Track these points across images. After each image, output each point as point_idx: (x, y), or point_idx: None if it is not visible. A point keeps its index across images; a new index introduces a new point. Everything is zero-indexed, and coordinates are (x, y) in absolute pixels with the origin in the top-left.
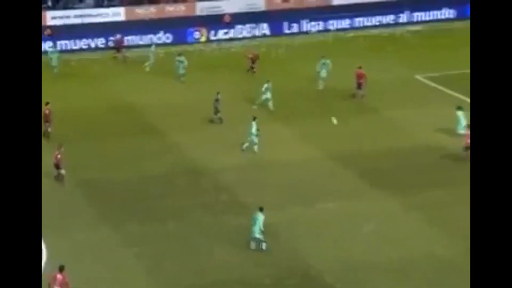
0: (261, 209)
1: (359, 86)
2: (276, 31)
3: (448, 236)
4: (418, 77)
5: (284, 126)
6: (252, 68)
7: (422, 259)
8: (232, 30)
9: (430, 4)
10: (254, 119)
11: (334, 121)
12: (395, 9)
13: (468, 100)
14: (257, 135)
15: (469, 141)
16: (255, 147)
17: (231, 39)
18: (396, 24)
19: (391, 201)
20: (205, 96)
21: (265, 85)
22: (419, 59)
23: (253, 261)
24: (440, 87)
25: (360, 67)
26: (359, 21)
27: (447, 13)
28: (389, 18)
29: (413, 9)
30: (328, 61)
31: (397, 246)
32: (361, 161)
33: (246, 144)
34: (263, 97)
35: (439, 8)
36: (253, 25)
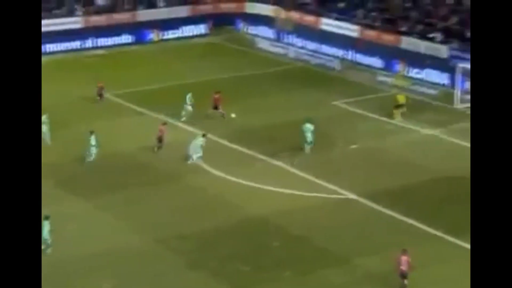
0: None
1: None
2: None
3: (134, 228)
4: (108, 95)
5: None
6: None
7: (117, 250)
8: None
9: (111, 31)
10: None
11: (233, 115)
12: (81, 35)
13: (150, 113)
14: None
15: None
16: None
17: None
18: (82, 49)
19: (85, 203)
20: None
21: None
22: (106, 79)
23: None
24: (126, 103)
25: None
26: (49, 47)
27: (127, 38)
28: (75, 44)
29: (98, 36)
30: None
31: (96, 240)
32: (58, 171)
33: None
34: None
35: (119, 35)
36: None
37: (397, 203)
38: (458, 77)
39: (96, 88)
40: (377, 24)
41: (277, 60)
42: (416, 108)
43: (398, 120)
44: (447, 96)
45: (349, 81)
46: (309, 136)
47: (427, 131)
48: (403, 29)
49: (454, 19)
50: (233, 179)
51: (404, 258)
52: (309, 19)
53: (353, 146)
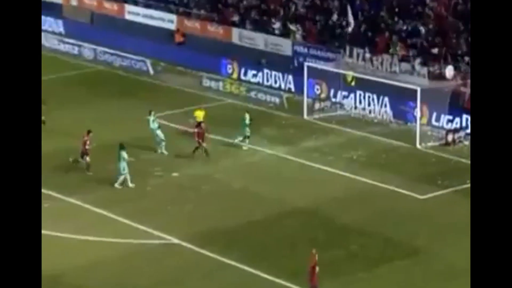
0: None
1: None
2: None
3: None
4: None
5: None
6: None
7: None
8: None
9: None
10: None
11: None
12: None
13: None
14: None
15: None
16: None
17: None
18: None
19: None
20: None
21: None
22: None
23: None
24: None
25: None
26: None
27: None
28: None
29: None
30: None
31: None
32: None
33: None
34: None
35: None
36: None
37: (231, 247)
38: (306, 80)
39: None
40: (201, 12)
41: (68, 62)
42: (256, 121)
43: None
44: (294, 105)
45: (165, 87)
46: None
47: (270, 151)
48: (235, 19)
49: (299, 3)
50: None
51: None
52: (110, 6)
53: (174, 174)
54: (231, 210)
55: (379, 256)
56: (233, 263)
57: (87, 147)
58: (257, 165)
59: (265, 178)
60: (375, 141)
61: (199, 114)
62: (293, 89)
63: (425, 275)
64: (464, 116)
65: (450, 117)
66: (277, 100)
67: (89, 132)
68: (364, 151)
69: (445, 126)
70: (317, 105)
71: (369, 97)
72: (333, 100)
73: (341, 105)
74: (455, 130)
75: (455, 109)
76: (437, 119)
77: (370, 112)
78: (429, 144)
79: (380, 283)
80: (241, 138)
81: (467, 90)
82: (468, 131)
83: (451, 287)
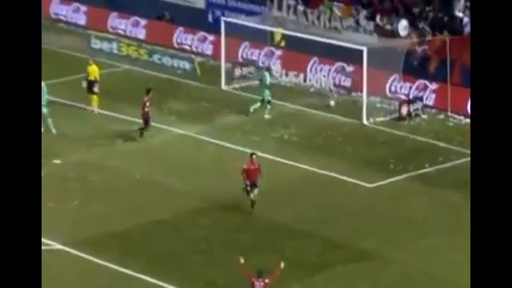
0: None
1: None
2: None
3: None
4: None
5: None
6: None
7: None
8: None
9: None
10: None
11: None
12: None
13: None
14: None
15: None
16: None
17: None
18: None
19: None
20: None
21: None
22: None
23: None
24: None
25: None
26: None
27: None
28: None
29: None
30: None
31: None
32: None
33: None
34: None
35: None
36: None
37: (129, 254)
38: (224, 39)
39: None
40: None
41: None
42: (161, 92)
43: (95, 109)
44: (208, 72)
45: (43, 50)
46: None
47: (179, 130)
48: None
49: None
50: None
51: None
52: None
53: (56, 161)
54: (129, 207)
55: (318, 261)
56: (131, 273)
57: (146, 109)
58: (162, 148)
59: (172, 165)
60: (311, 116)
61: (93, 70)
62: (207, 52)
63: (374, 283)
64: (422, 83)
65: (405, 85)
66: (187, 65)
67: (148, 91)
68: (297, 129)
69: (398, 96)
70: (237, 72)
71: (303, 60)
72: (258, 65)
73: (269, 71)
74: (411, 101)
75: (411, 75)
76: (389, 88)
77: (304, 79)
78: (379, 119)
79: None
80: (258, 105)
81: (420, 49)
82: (428, 101)
83: None
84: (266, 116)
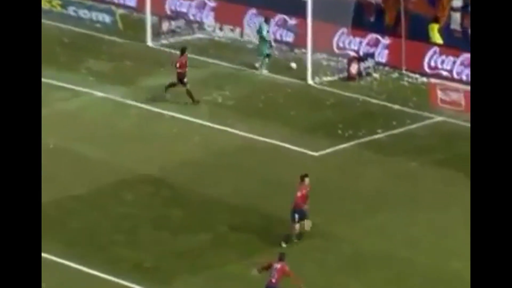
0: None
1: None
2: None
3: None
4: None
5: None
6: None
7: None
8: None
9: None
10: None
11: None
12: None
13: None
14: None
15: None
16: None
17: None
18: None
19: None
20: None
21: None
22: None
23: None
24: None
25: None
26: None
27: None
28: None
29: None
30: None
31: None
32: None
33: None
34: None
35: None
36: None
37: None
38: None
39: None
40: None
41: None
42: (78, 50)
43: None
44: (132, 26)
45: None
46: None
47: (99, 93)
48: None
49: None
50: None
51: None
52: None
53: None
54: (41, 180)
55: (257, 240)
56: (46, 255)
57: (179, 70)
58: (79, 114)
59: (91, 133)
60: (248, 76)
61: None
62: (130, 3)
63: (323, 264)
64: (374, 37)
65: (355, 40)
66: (107, 18)
67: (183, 50)
68: (233, 92)
69: (347, 52)
70: (165, 26)
71: (239, 12)
72: (189, 18)
73: (200, 25)
74: (361, 59)
75: (361, 28)
76: (337, 44)
77: (241, 34)
78: (326, 78)
79: (258, 278)
80: (266, 60)
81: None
82: (380, 58)
83: (359, 279)
84: (264, 72)
